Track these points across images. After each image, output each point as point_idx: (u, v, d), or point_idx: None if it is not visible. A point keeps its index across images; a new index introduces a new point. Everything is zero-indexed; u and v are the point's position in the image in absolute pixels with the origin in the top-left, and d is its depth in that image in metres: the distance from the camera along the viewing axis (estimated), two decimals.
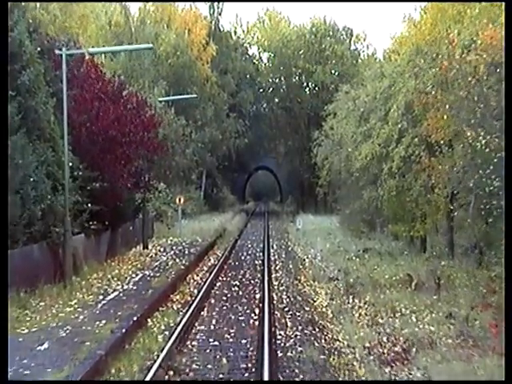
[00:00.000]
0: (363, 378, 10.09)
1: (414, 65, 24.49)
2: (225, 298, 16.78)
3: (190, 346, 11.63)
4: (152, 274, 18.49)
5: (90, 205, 18.42)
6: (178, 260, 22.16)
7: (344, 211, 36.82)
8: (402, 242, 29.24)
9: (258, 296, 16.95)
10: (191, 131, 46.62)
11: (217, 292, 17.86)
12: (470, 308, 13.93)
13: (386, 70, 30.14)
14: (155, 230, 31.93)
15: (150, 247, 26.08)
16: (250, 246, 32.57)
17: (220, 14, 60.10)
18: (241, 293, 17.70)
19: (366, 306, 16.22)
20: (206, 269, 22.62)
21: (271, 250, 29.31)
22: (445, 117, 18.69)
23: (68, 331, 11.02)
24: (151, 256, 23.31)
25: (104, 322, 11.70)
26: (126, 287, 16.05)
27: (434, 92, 21.58)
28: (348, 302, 16.69)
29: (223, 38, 60.79)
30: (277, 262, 24.66)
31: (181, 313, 14.47)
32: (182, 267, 20.32)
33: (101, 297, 14.53)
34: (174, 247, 26.69)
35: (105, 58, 45.17)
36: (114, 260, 21.07)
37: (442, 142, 22.53)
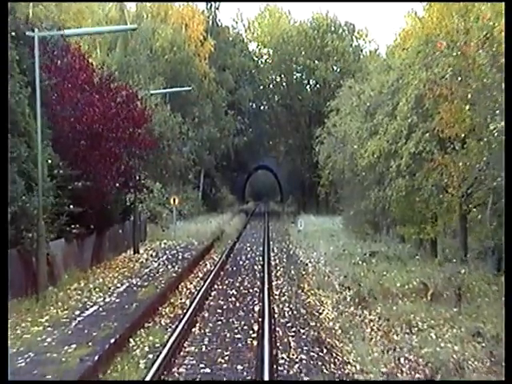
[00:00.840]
0: None
1: (424, 55, 22.98)
2: (220, 311, 14.99)
3: (176, 374, 9.87)
4: (140, 283, 16.68)
5: (71, 206, 16.65)
6: (170, 266, 20.35)
7: (348, 212, 35.27)
8: (410, 245, 27.80)
9: (256, 308, 15.17)
10: (188, 129, 44.95)
11: (211, 303, 16.07)
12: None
13: (393, 63, 28.65)
14: (148, 233, 30.10)
15: (141, 251, 24.26)
16: (248, 249, 30.79)
17: (217, 9, 58.37)
18: (238, 304, 15.91)
19: (378, 319, 14.65)
20: (200, 275, 20.83)
21: (271, 254, 27.54)
22: (466, 107, 17.00)
23: (29, 360, 9.25)
24: (141, 262, 21.50)
25: (74, 346, 9.91)
26: (108, 300, 14.23)
27: (448, 83, 20.10)
28: (357, 315, 15.07)
29: (221, 34, 59.11)
30: (278, 268, 22.90)
31: (169, 329, 12.72)
32: (174, 274, 18.50)
33: (77, 312, 12.72)
34: (168, 251, 24.87)
35: (100, 52, 43.87)
36: (100, 267, 19.27)
37: (455, 137, 21.10)
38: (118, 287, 15.92)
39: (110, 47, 46.35)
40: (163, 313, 14.47)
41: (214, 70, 54.48)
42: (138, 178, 23.01)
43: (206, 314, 14.59)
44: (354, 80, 36.49)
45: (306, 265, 24.32)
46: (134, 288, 15.86)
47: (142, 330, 12.37)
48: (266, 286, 17.47)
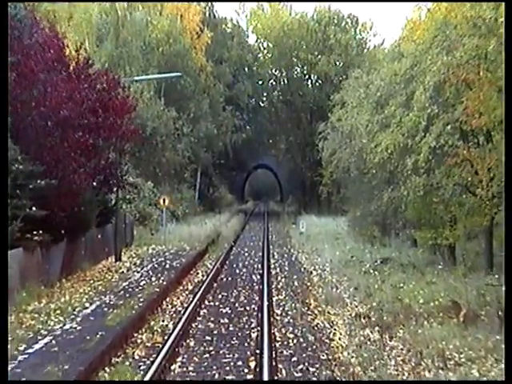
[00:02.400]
0: None
1: (444, 37, 20.43)
2: (209, 338, 12.21)
3: None
4: (113, 302, 13.83)
5: (33, 208, 13.93)
6: (154, 278, 17.50)
7: (353, 213, 32.65)
8: (422, 250, 25.29)
9: (254, 334, 12.41)
10: (183, 124, 42.43)
11: (199, 326, 13.28)
12: None
13: (406, 50, 26.20)
14: (136, 237, 27.20)
15: (124, 259, 21.39)
16: (246, 254, 27.99)
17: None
18: (231, 328, 13.13)
19: (402, 346, 12.03)
20: (190, 288, 18.04)
21: (272, 261, 24.75)
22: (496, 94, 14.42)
23: None
24: (122, 272, 18.64)
25: None
26: (68, 326, 11.42)
27: (473, 67, 17.66)
28: (376, 341, 12.41)
29: (218, 25, 56.47)
30: (279, 278, 20.13)
31: (142, 366, 10.00)
32: (157, 289, 15.62)
33: (22, 347, 9.91)
34: (155, 258, 22.03)
35: (89, 44, 41.63)
36: (71, 279, 16.42)
37: (479, 129, 18.65)
38: (86, 307, 13.08)
39: (100, 38, 43.98)
40: (138, 341, 11.71)
41: (211, 63, 51.93)
42: (120, 174, 20.12)
43: (192, 343, 11.81)
44: (360, 70, 33.85)
45: (311, 273, 21.74)
46: (105, 309, 12.98)
47: (105, 370, 9.61)
48: (266, 303, 14.74)
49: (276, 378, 9.55)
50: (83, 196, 16.70)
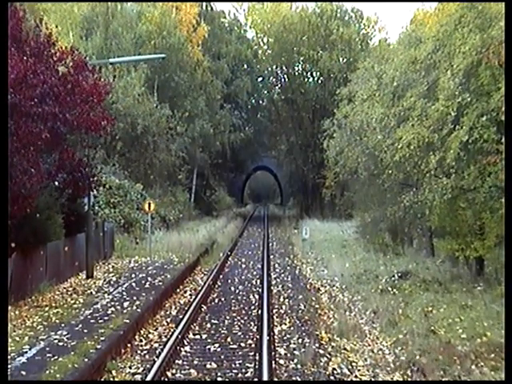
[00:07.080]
0: None
1: (476, 14, 17.61)
2: None
3: None
4: (64, 342, 10.40)
5: None
6: (128, 302, 14.05)
7: (363, 218, 29.53)
8: (440, 260, 22.33)
9: None
10: (177, 122, 39.46)
11: (177, 375, 9.92)
12: None
13: (426, 34, 23.44)
14: (118, 246, 23.82)
15: (98, 275, 18.05)
16: (244, 265, 24.66)
17: None
18: (220, 379, 9.83)
19: None
20: (173, 313, 14.70)
21: (272, 275, 21.43)
22: None
23: None
24: (90, 293, 15.25)
25: None
26: None
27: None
28: None
29: (216, 18, 53.38)
30: (281, 298, 16.82)
31: None
32: (127, 320, 12.22)
33: None
34: (134, 274, 18.64)
35: (73, 36, 38.83)
36: (21, 306, 13.06)
37: None
38: (23, 352, 9.74)
39: (87, 30, 41.07)
40: None
41: (208, 58, 48.91)
42: (91, 174, 16.76)
43: None
44: (371, 60, 30.72)
45: (318, 290, 18.60)
46: (49, 354, 9.60)
47: None
48: (266, 338, 11.51)
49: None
50: (39, 200, 13.44)
